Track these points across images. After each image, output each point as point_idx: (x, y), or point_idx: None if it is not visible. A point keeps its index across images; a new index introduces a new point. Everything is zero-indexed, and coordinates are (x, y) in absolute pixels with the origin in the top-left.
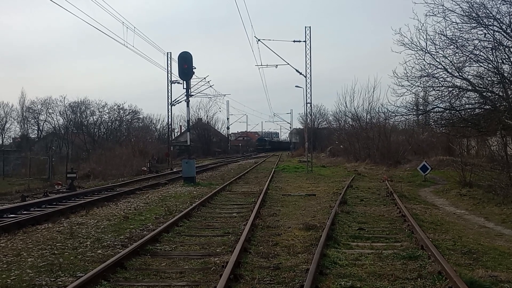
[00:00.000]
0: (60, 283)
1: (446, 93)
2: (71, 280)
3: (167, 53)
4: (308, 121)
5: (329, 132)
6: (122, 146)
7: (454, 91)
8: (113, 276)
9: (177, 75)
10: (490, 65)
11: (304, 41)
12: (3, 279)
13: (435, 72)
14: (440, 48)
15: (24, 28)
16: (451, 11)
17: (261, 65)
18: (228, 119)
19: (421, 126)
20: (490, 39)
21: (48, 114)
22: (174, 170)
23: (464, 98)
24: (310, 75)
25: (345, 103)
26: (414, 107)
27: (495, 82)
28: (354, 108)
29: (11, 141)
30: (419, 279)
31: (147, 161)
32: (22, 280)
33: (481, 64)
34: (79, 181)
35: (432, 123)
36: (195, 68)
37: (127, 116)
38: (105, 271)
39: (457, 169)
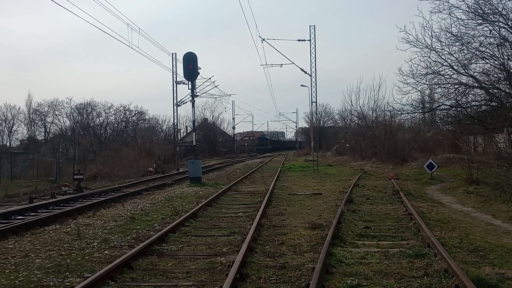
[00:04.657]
0: (68, 283)
1: (452, 91)
2: (78, 281)
3: (172, 53)
4: (314, 120)
5: (335, 131)
6: (129, 147)
7: (460, 88)
8: (120, 276)
9: (183, 75)
10: (496, 62)
11: (308, 40)
12: (11, 280)
13: (440, 69)
14: (445, 45)
15: (29, 31)
16: (457, 7)
17: (266, 64)
18: (233, 119)
19: (427, 123)
20: (496, 36)
21: (54, 116)
22: (180, 170)
23: (470, 95)
24: (315, 74)
25: (351, 101)
26: (420, 105)
27: (501, 78)
28: (360, 107)
29: (19, 143)
30: (425, 277)
31: (153, 161)
32: (30, 281)
33: (487, 61)
34: (86, 183)
35: (438, 121)
36: (200, 68)
37: (133, 117)
38: (112, 271)
39: (463, 166)
